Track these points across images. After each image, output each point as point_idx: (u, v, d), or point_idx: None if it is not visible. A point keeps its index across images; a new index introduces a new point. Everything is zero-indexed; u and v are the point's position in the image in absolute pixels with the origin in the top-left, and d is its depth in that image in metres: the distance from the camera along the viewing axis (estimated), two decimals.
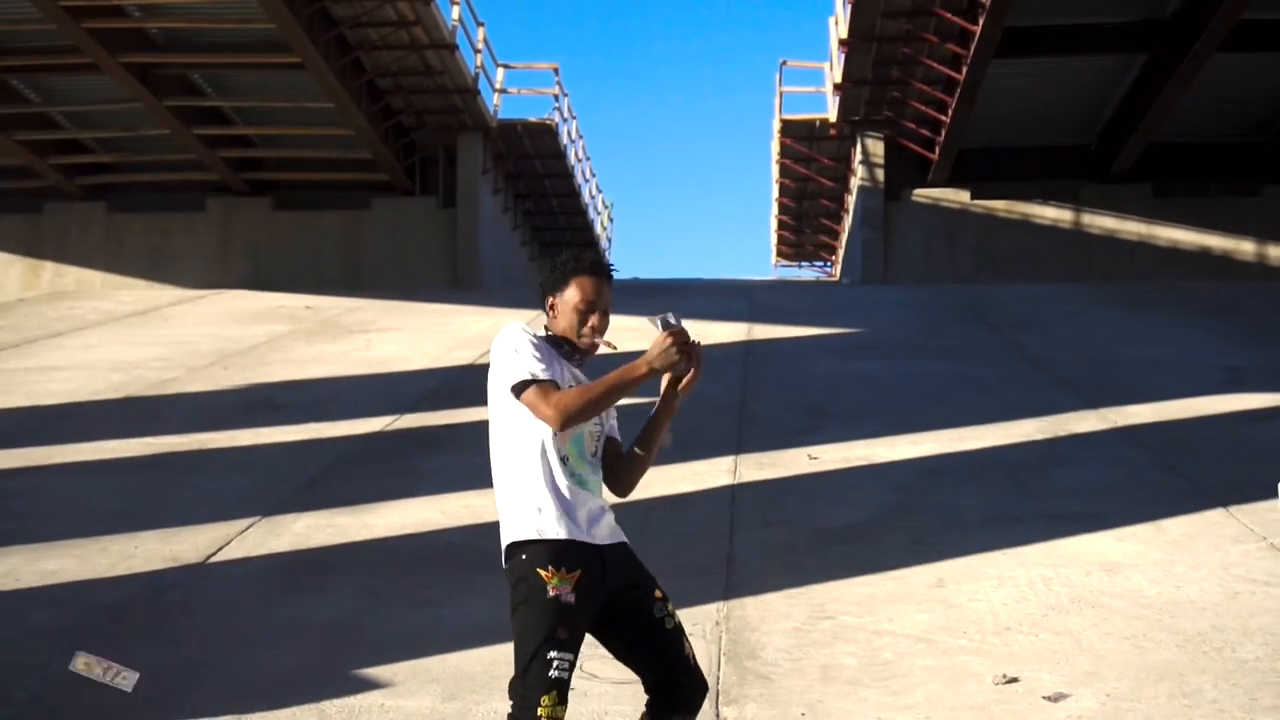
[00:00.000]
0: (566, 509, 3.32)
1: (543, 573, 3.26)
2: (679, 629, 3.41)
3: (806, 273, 30.19)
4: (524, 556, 3.30)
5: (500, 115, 21.48)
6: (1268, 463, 7.78)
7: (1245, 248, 19.92)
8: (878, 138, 20.63)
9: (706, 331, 12.91)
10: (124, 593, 6.31)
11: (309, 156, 20.63)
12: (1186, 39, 16.08)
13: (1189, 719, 4.65)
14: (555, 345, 3.44)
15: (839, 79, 19.50)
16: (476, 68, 19.95)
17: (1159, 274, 19.20)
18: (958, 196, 20.48)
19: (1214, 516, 7.19)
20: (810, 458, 8.79)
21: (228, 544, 7.06)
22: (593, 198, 27.60)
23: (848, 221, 23.31)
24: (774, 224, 27.53)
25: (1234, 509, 7.26)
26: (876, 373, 11.93)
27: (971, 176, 20.33)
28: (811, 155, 22.93)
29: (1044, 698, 4.85)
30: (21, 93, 19.02)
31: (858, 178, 21.17)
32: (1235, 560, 6.41)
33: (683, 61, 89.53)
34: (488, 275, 21.07)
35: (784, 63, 22.58)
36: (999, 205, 20.47)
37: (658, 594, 3.41)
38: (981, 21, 15.84)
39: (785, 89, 22.55)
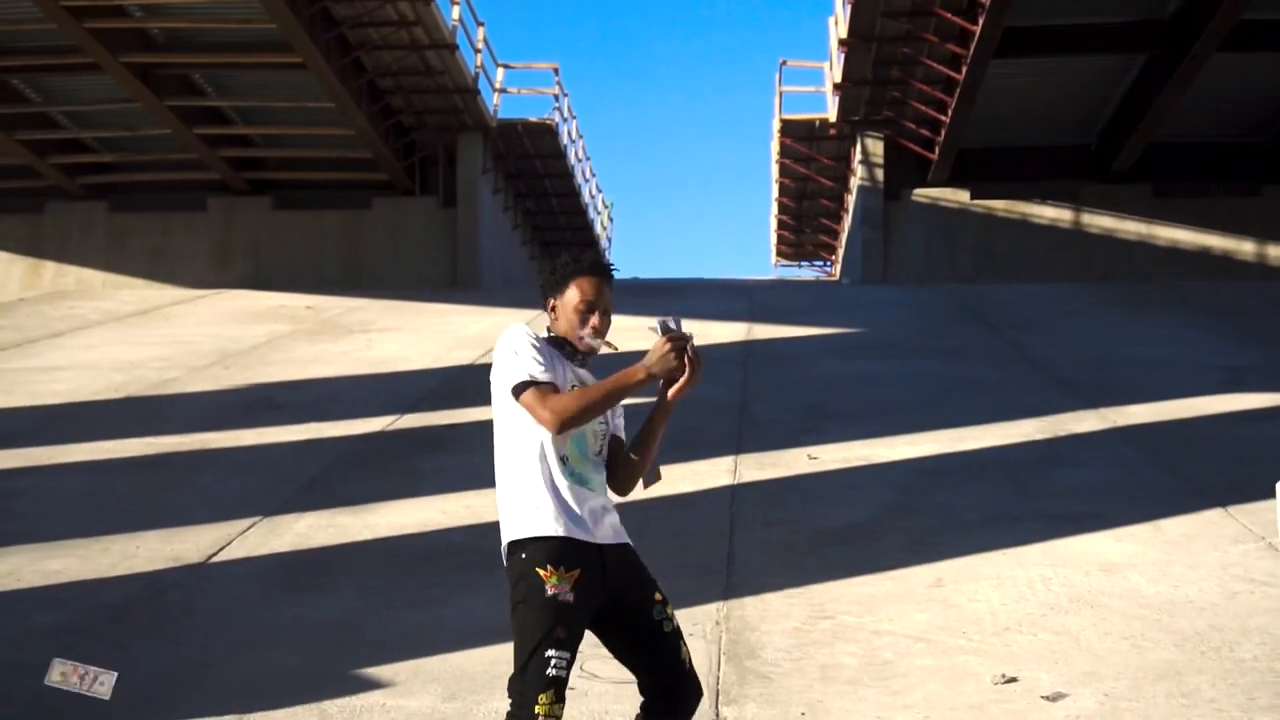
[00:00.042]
0: (565, 508, 3.34)
1: (541, 572, 3.28)
2: (677, 632, 3.42)
3: (806, 272, 30.22)
4: (523, 555, 3.32)
5: (500, 115, 21.51)
6: (1267, 463, 7.79)
7: (1245, 248, 19.94)
8: (877, 137, 20.65)
9: (706, 331, 12.93)
10: (126, 593, 6.33)
11: (310, 156, 20.65)
12: (1186, 39, 16.10)
13: (1187, 718, 4.67)
14: (557, 346, 3.46)
15: (839, 79, 19.52)
16: (477, 68, 19.97)
17: (1159, 274, 19.22)
18: (957, 196, 20.49)
19: (1213, 516, 7.21)
20: (810, 458, 8.81)
21: (229, 544, 7.08)
22: (593, 197, 27.64)
23: (847, 221, 23.32)
24: (774, 224, 27.54)
25: (1233, 509, 7.27)
26: (876, 373, 11.95)
27: (971, 176, 20.35)
28: (811, 155, 22.94)
29: (1043, 697, 4.87)
30: (23, 92, 19.04)
31: (857, 177, 21.18)
32: (1234, 560, 6.42)
33: (683, 61, 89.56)
34: (488, 275, 21.09)
35: (784, 63, 22.63)
36: (999, 205, 20.48)
37: (657, 596, 3.42)
38: (981, 21, 15.86)
39: (785, 89, 22.59)
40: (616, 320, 3.51)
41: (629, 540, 3.46)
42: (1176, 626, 5.55)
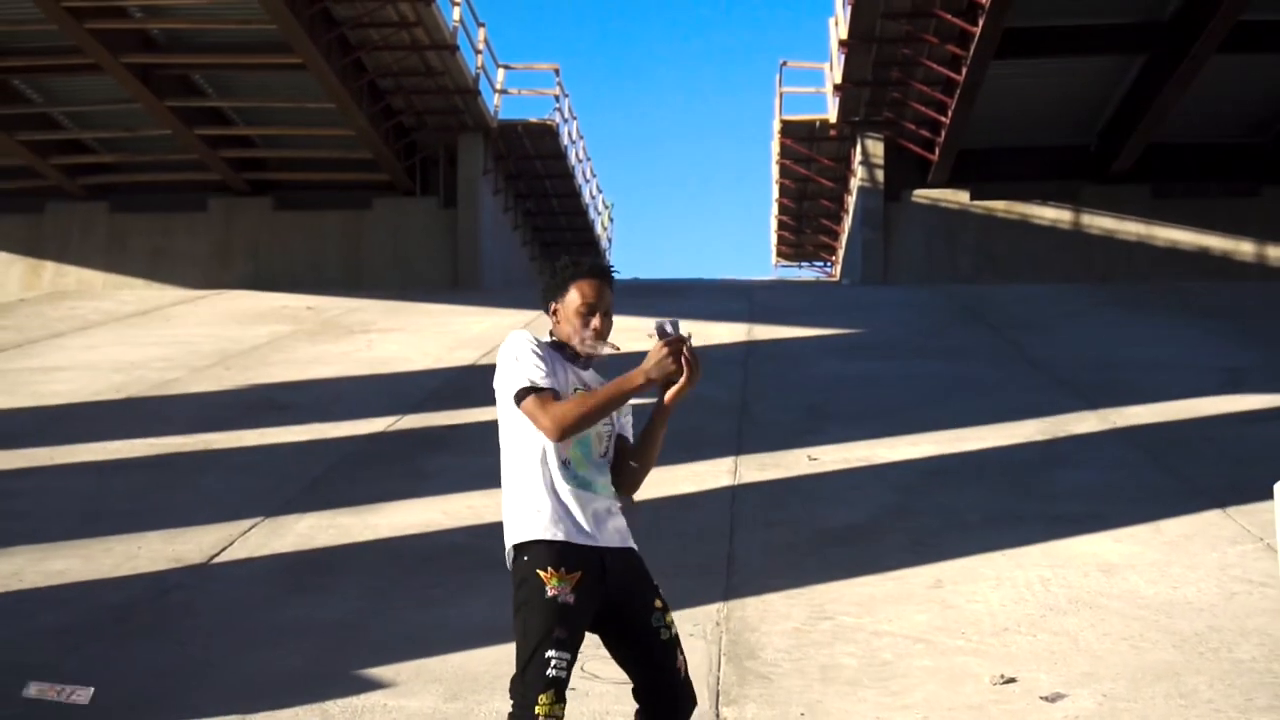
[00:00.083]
0: (567, 512, 3.36)
1: (542, 574, 3.31)
2: (674, 640, 3.43)
3: (806, 273, 30.25)
4: (525, 558, 3.35)
5: (501, 116, 21.53)
6: (1266, 464, 7.81)
7: (1244, 248, 19.96)
8: (877, 138, 20.68)
9: (707, 332, 12.95)
10: (129, 593, 6.35)
11: (310, 157, 20.68)
12: (1186, 40, 16.12)
13: (1185, 719, 4.69)
14: (560, 350, 3.48)
15: (839, 80, 19.54)
16: (477, 68, 19.99)
17: (1158, 274, 19.24)
18: (957, 197, 20.52)
19: (1212, 517, 7.23)
20: (810, 458, 8.83)
21: (231, 544, 7.10)
22: (593, 198, 27.66)
23: (847, 222, 23.35)
24: (774, 224, 27.57)
25: (1231, 510, 7.30)
26: (876, 373, 11.97)
27: (971, 177, 20.37)
28: (811, 156, 22.97)
29: (1041, 698, 4.89)
30: (24, 93, 19.06)
31: (857, 178, 21.21)
32: (1232, 561, 6.44)
33: (683, 62, 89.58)
34: (488, 275, 21.11)
35: (784, 63, 22.67)
36: (998, 206, 20.51)
37: (657, 603, 3.43)
38: (981, 23, 15.88)
39: (785, 90, 22.62)
40: (617, 321, 3.53)
41: (634, 545, 3.48)
42: (1175, 627, 5.57)
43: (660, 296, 16.30)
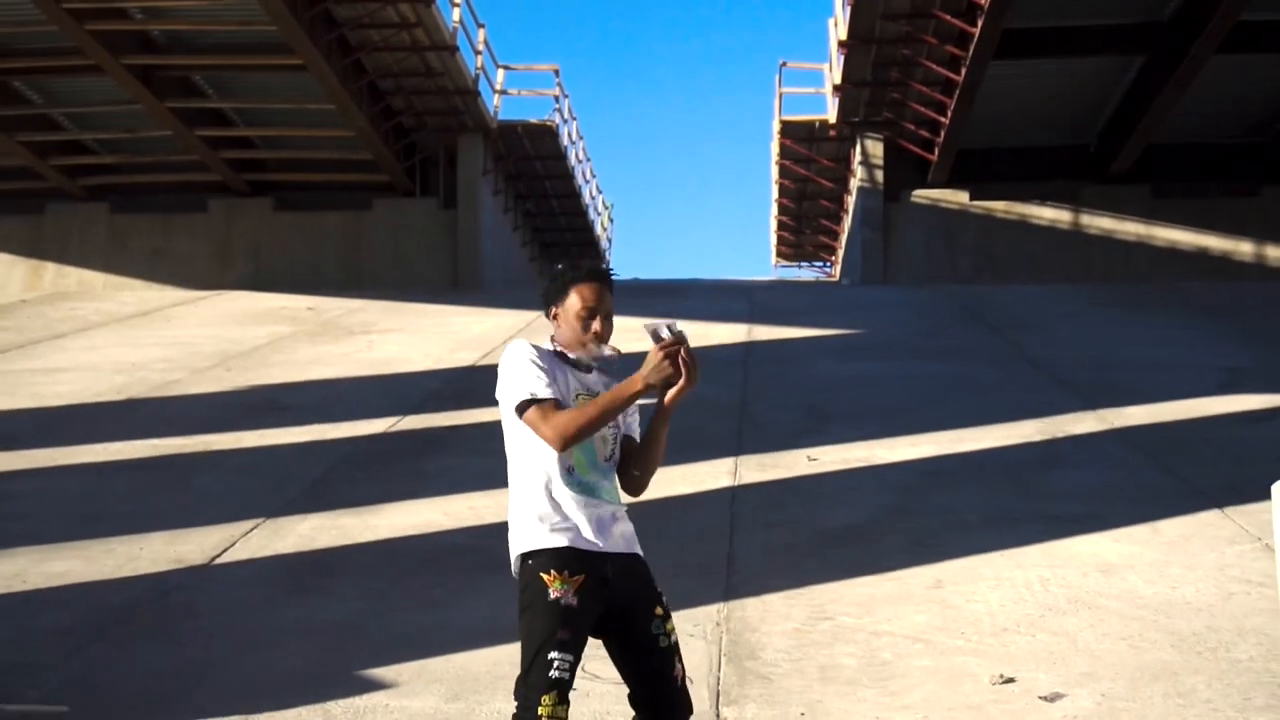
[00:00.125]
0: (569, 519, 3.39)
1: (546, 577, 3.34)
2: (673, 648, 3.45)
3: (806, 273, 30.27)
4: (530, 563, 3.39)
5: (501, 116, 21.55)
6: (1264, 464, 7.83)
7: (1244, 248, 19.98)
8: (877, 139, 20.70)
9: (707, 332, 12.96)
10: (130, 594, 6.37)
11: (310, 158, 20.70)
12: (1185, 40, 16.15)
13: (1183, 718, 4.71)
14: (560, 356, 3.50)
15: (838, 80, 19.57)
16: (477, 69, 20.01)
17: (1158, 275, 19.26)
18: (957, 197, 20.54)
19: (1210, 518, 7.25)
20: (810, 459, 8.85)
21: (232, 545, 7.12)
22: (593, 198, 27.68)
23: (847, 222, 23.37)
24: (774, 224, 27.59)
25: (1230, 510, 7.32)
26: (876, 374, 11.99)
27: (970, 177, 20.39)
28: (811, 156, 22.99)
29: (1040, 698, 4.91)
30: (24, 94, 19.08)
31: (857, 179, 21.23)
32: (1230, 561, 6.46)
33: (683, 62, 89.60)
34: (488, 276, 21.13)
35: (783, 64, 22.71)
36: (998, 206, 20.53)
37: (658, 610, 3.45)
38: (980, 23, 15.90)
39: (785, 90, 22.65)
40: (618, 321, 3.55)
41: (639, 550, 3.50)
42: (1173, 627, 5.59)
43: (660, 297, 16.33)
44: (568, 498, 3.40)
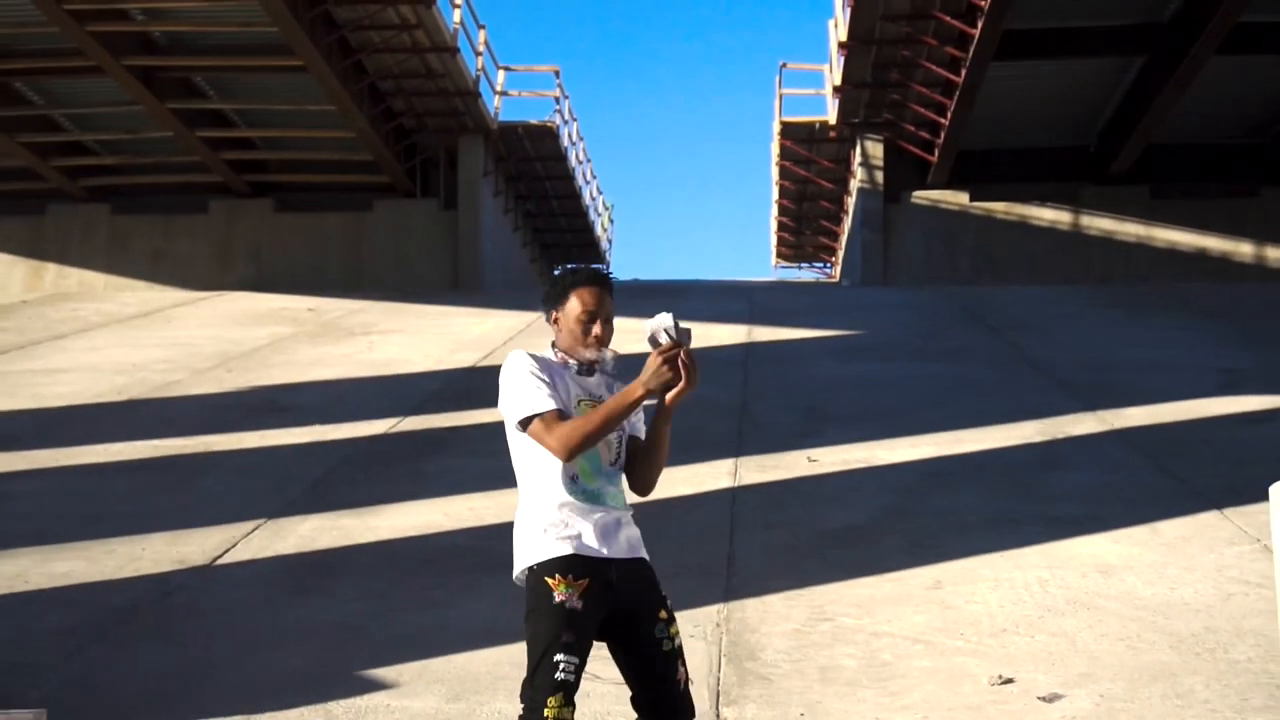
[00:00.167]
0: (573, 527, 3.42)
1: (550, 580, 3.37)
2: (676, 652, 3.47)
3: (806, 274, 30.30)
4: (535, 568, 3.42)
5: (501, 118, 21.58)
6: (1263, 465, 7.85)
7: (1243, 249, 20.00)
8: (877, 140, 20.73)
9: (707, 333, 12.99)
10: (132, 594, 6.39)
11: (311, 159, 20.73)
12: (1184, 41, 16.17)
13: (1181, 719, 4.72)
14: (561, 362, 3.53)
15: (838, 81, 19.60)
16: (478, 70, 20.04)
17: (1157, 275, 19.29)
18: (957, 198, 20.57)
19: (1208, 519, 7.27)
20: (810, 460, 8.86)
21: (234, 546, 7.14)
22: (594, 199, 27.70)
23: (847, 223, 23.39)
24: (774, 225, 27.62)
25: (1228, 511, 7.33)
26: (876, 375, 12.00)
27: (970, 178, 20.43)
28: (811, 157, 23.01)
29: (1039, 698, 4.92)
30: (25, 95, 19.12)
31: (857, 180, 21.26)
32: (1229, 562, 6.48)
33: (683, 63, 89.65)
34: (489, 277, 21.15)
35: (784, 65, 22.72)
36: (998, 207, 20.55)
37: (662, 614, 3.47)
38: (980, 25, 15.93)
39: (785, 91, 22.68)
40: (619, 323, 3.57)
41: (645, 555, 3.53)
42: (1172, 628, 5.61)
43: (660, 298, 16.32)
44: (572, 506, 3.43)
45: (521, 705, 3.34)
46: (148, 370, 12.51)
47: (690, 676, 3.56)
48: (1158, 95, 17.35)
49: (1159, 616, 5.76)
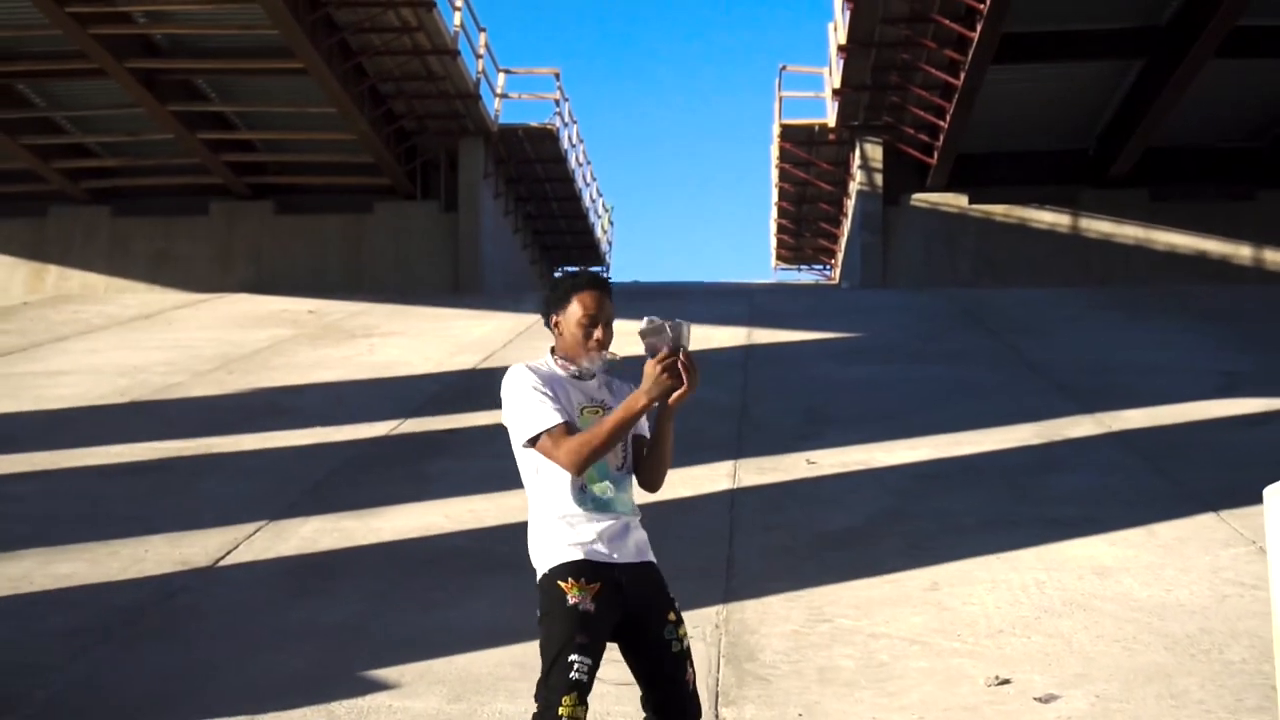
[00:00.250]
0: (581, 535, 3.48)
1: (563, 584, 3.44)
2: (685, 653, 3.53)
3: (806, 276, 30.34)
4: (547, 572, 3.49)
5: (501, 120, 21.61)
6: (1259, 468, 7.85)
7: (1242, 252, 20.04)
8: (876, 142, 20.77)
9: (707, 335, 13.03)
10: (135, 596, 6.42)
11: (311, 161, 20.77)
12: (1183, 44, 16.21)
13: (1176, 719, 4.76)
14: (561, 369, 3.58)
15: (838, 84, 19.64)
16: (478, 73, 20.08)
17: (1156, 278, 19.32)
18: (956, 201, 20.61)
19: (1205, 521, 7.31)
20: (809, 462, 8.90)
21: (236, 548, 7.18)
22: (593, 201, 27.74)
23: (847, 225, 23.43)
24: (773, 227, 27.66)
25: (1224, 513, 7.37)
26: (875, 377, 12.04)
27: (970, 181, 20.46)
28: (811, 160, 23.06)
29: (1035, 699, 4.96)
30: (27, 97, 19.16)
31: (857, 182, 21.30)
32: (1224, 564, 6.52)
33: (683, 65, 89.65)
34: (489, 279, 21.19)
35: (783, 68, 22.75)
36: (997, 210, 20.59)
37: (670, 616, 3.53)
38: (979, 28, 15.97)
39: (785, 94, 22.72)
40: (618, 325, 3.62)
41: (653, 558, 3.59)
42: (1167, 629, 5.65)
43: (660, 299, 16.36)
44: (581, 515, 3.49)
45: (536, 704, 3.39)
46: (149, 372, 12.55)
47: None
48: (1156, 98, 17.39)
49: (1154, 618, 5.80)
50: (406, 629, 5.93)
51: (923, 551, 6.91)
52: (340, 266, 20.92)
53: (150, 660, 5.60)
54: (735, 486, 8.36)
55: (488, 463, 8.32)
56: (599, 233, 28.82)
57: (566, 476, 3.47)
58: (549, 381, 3.52)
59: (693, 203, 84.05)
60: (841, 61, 19.02)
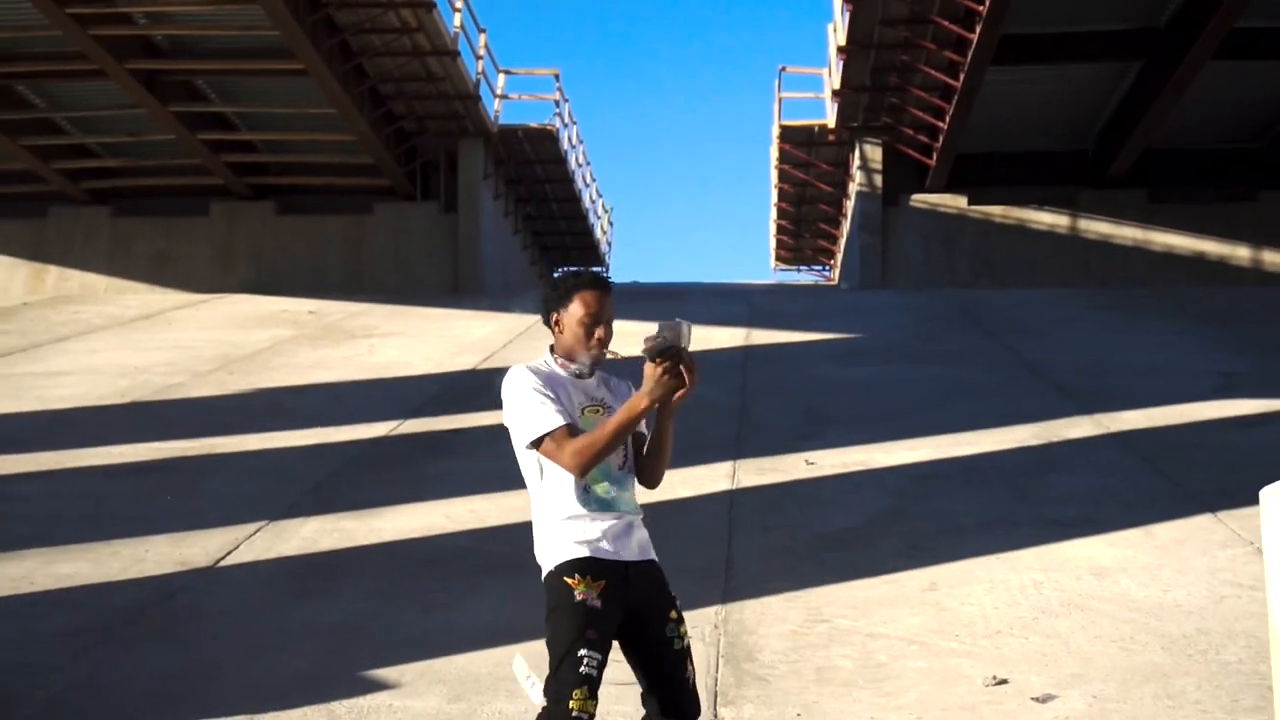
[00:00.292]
0: (585, 534, 3.51)
1: (570, 580, 3.47)
2: (685, 651, 3.57)
3: (805, 276, 30.36)
4: (554, 569, 3.52)
5: (501, 121, 21.64)
6: (1256, 469, 7.86)
7: (1240, 253, 20.07)
8: (876, 143, 20.80)
9: (706, 336, 13.04)
10: (136, 596, 6.44)
11: (312, 161, 20.79)
12: (1181, 46, 16.24)
13: (1172, 719, 4.79)
14: (561, 368, 3.60)
15: (838, 85, 19.66)
16: (478, 74, 20.10)
17: (1154, 279, 19.35)
18: (955, 202, 20.63)
19: (1202, 522, 7.33)
20: (808, 462, 8.93)
21: (236, 548, 7.20)
22: (593, 202, 27.76)
23: (846, 226, 23.46)
24: (773, 228, 27.68)
25: (1222, 514, 7.39)
26: (874, 378, 12.06)
27: (969, 182, 20.48)
28: (810, 160, 23.08)
29: (1032, 699, 4.99)
30: (28, 98, 19.18)
31: (856, 183, 21.32)
32: (1222, 565, 6.54)
33: (682, 65, 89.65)
34: (489, 280, 21.21)
35: (783, 69, 22.77)
36: (996, 211, 20.62)
37: (672, 614, 3.57)
38: (978, 29, 15.99)
39: (784, 95, 22.73)
40: (617, 325, 3.65)
41: (655, 556, 3.62)
42: (1165, 630, 5.67)
43: (660, 300, 16.40)
44: (584, 515, 3.52)
45: (545, 699, 3.42)
46: (149, 373, 12.57)
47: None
48: (1155, 99, 17.42)
49: (1152, 618, 5.82)
50: (407, 629, 5.95)
51: (921, 552, 6.93)
52: (340, 267, 20.95)
53: (151, 660, 5.62)
54: (734, 487, 8.39)
55: (489, 463, 8.34)
56: (599, 233, 28.85)
57: (569, 477, 3.50)
58: (550, 382, 3.55)
59: (692, 203, 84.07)
60: (841, 63, 19.05)
